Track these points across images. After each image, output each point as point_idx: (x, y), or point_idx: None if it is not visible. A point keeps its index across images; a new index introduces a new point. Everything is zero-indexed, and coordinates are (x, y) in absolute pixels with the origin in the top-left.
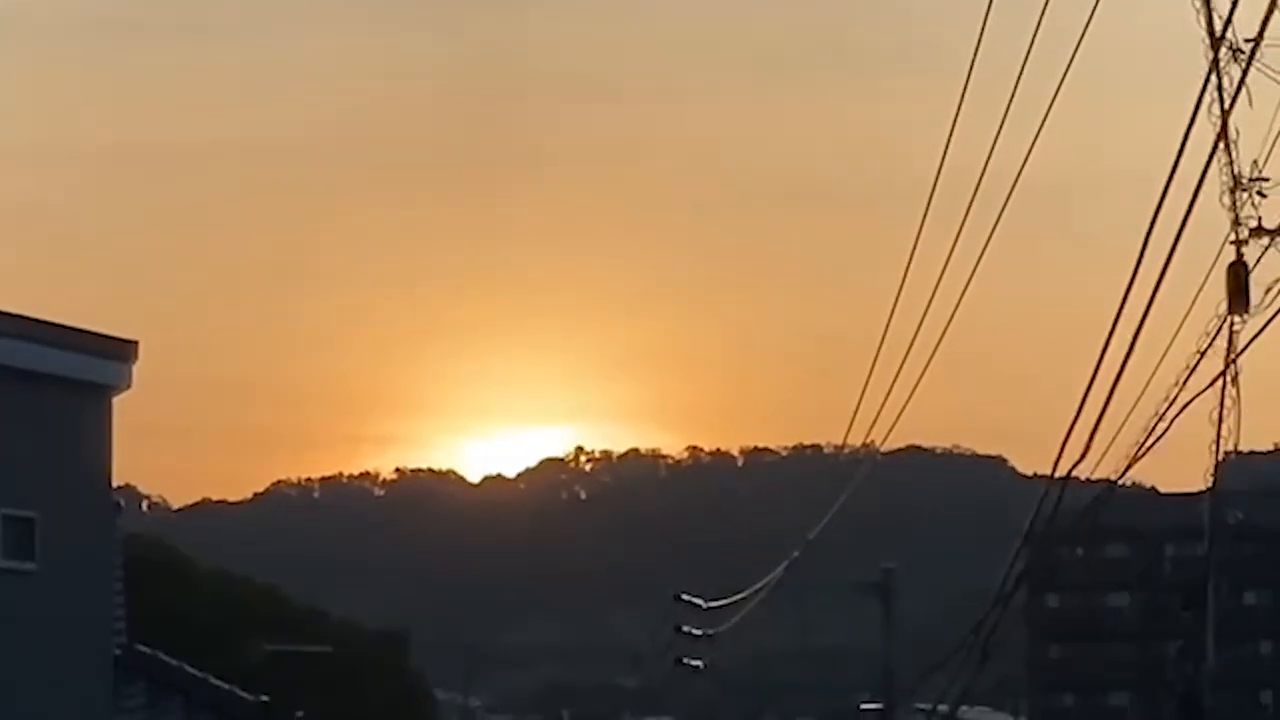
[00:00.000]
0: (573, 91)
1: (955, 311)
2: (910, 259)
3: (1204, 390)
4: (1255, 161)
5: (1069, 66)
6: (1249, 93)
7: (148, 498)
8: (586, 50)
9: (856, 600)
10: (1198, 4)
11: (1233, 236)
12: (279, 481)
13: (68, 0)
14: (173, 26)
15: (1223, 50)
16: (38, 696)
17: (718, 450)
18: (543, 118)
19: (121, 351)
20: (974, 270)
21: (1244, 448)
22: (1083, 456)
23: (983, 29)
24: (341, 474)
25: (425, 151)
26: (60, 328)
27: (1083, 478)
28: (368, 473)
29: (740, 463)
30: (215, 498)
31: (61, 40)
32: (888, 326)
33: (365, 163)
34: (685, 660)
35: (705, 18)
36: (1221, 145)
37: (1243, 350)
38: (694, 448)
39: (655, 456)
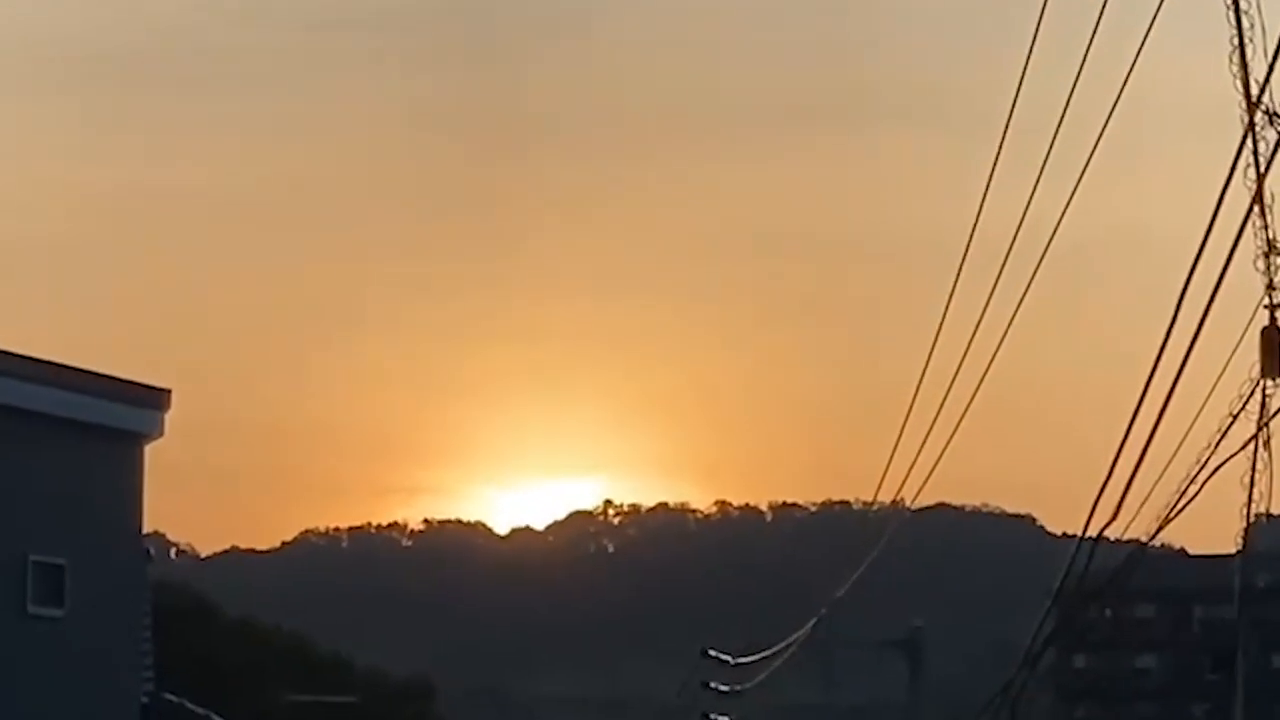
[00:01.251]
0: (605, 140)
1: (988, 369)
2: (944, 315)
3: (1236, 453)
4: None
5: (1104, 127)
6: None
7: (176, 545)
8: (618, 99)
9: (884, 656)
10: (1234, 69)
11: (1266, 301)
12: (307, 530)
13: (102, 43)
14: (206, 73)
15: (1259, 115)
16: None
17: (746, 505)
18: (574, 168)
19: (154, 399)
20: (1007, 328)
21: (1275, 511)
22: (1114, 517)
23: (1019, 86)
24: (370, 524)
25: (456, 199)
26: (94, 375)
27: (1112, 538)
28: (396, 523)
29: (769, 518)
30: (243, 546)
31: (97, 83)
32: (920, 383)
33: (398, 210)
34: (712, 716)
35: (742, 67)
36: (1256, 209)
37: (1275, 414)
38: (723, 502)
39: (684, 510)
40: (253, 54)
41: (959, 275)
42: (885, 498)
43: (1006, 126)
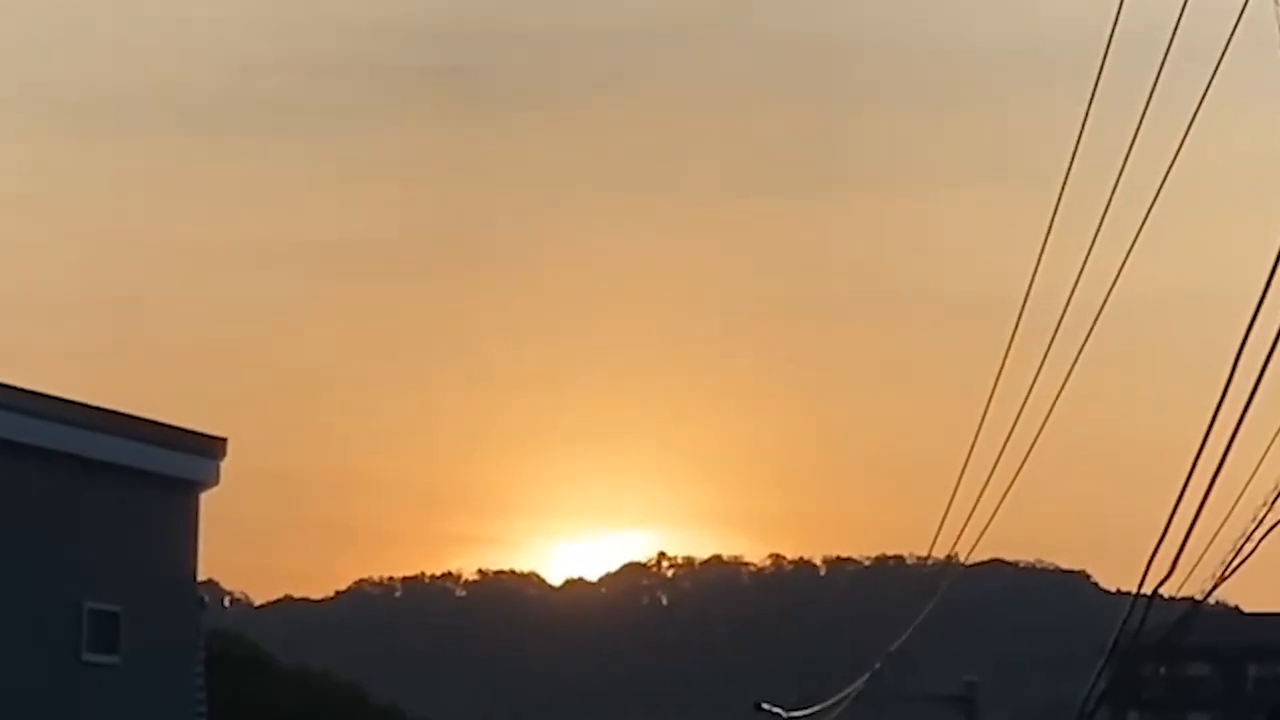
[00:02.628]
0: (662, 194)
1: (1043, 425)
2: (1000, 371)
3: None
4: None
5: (1163, 184)
6: None
7: (230, 594)
8: (665, 151)
9: (938, 712)
10: None
11: None
12: (361, 580)
13: (155, 98)
14: (256, 126)
15: None
16: None
17: (800, 559)
18: (630, 220)
19: (211, 448)
20: (1063, 384)
21: None
22: (1169, 574)
23: (1078, 143)
24: (424, 573)
25: (511, 248)
26: (151, 424)
27: (1166, 595)
28: (450, 573)
29: (823, 571)
30: (297, 595)
31: (153, 138)
32: (975, 439)
33: (455, 260)
34: None
35: (800, 121)
36: None
37: None
38: (776, 555)
39: (737, 564)
40: (309, 107)
41: (1015, 331)
42: (939, 553)
43: (1064, 185)
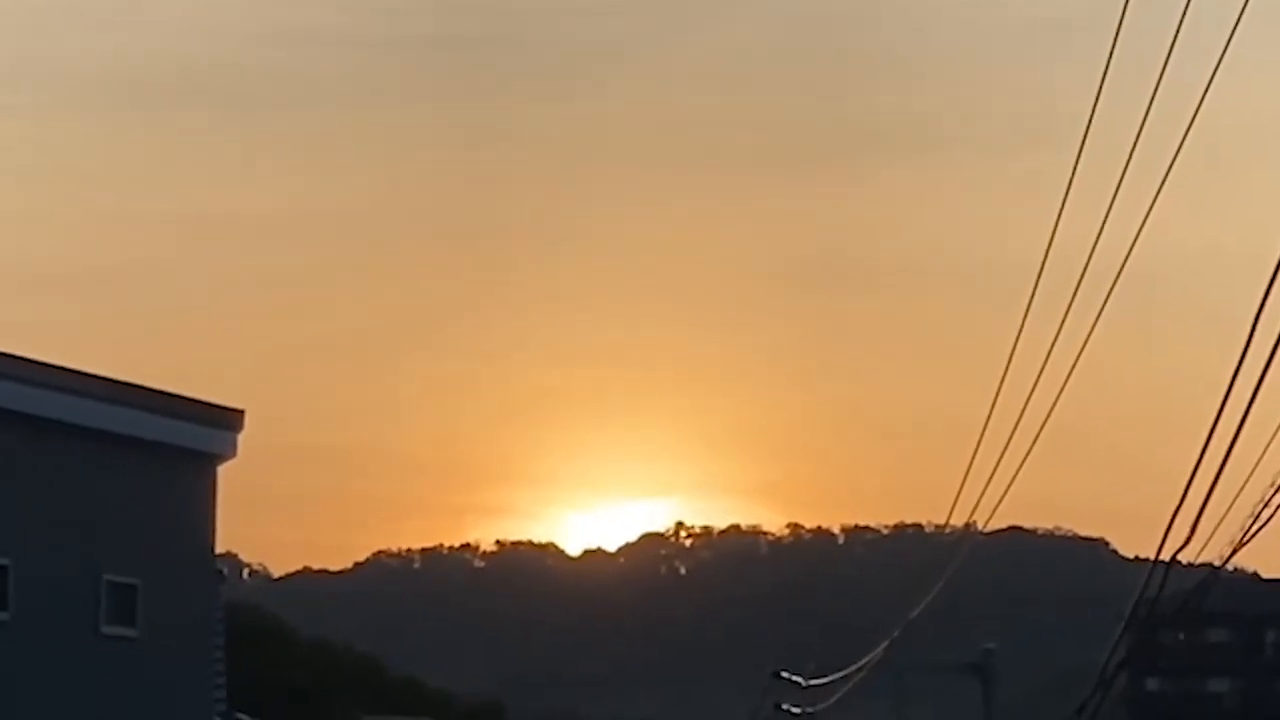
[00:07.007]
0: (679, 165)
1: (1061, 392)
2: (1017, 339)
3: None
4: None
5: (1179, 149)
6: None
7: (248, 565)
8: (685, 121)
9: (956, 680)
10: None
11: None
12: (380, 551)
13: (169, 71)
14: (274, 98)
15: None
16: None
17: (819, 528)
18: (646, 191)
19: (228, 420)
20: (1080, 351)
21: None
22: (1188, 541)
23: (1092, 113)
24: (442, 544)
25: (528, 223)
26: (168, 396)
27: (1185, 562)
28: (468, 544)
29: (841, 540)
30: (316, 566)
31: (169, 111)
32: (993, 407)
33: (473, 233)
34: None
35: (813, 92)
36: None
37: None
38: (795, 525)
39: (756, 533)
40: (321, 79)
41: (1032, 298)
42: (958, 521)
43: (1081, 148)
